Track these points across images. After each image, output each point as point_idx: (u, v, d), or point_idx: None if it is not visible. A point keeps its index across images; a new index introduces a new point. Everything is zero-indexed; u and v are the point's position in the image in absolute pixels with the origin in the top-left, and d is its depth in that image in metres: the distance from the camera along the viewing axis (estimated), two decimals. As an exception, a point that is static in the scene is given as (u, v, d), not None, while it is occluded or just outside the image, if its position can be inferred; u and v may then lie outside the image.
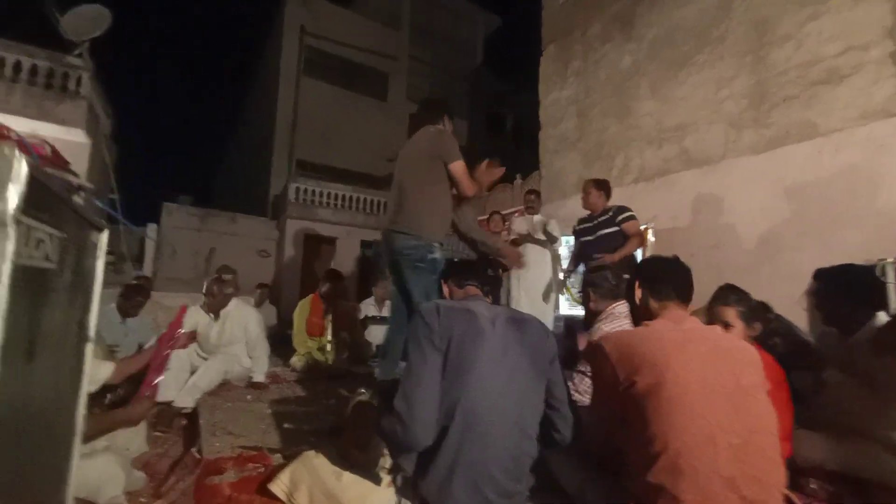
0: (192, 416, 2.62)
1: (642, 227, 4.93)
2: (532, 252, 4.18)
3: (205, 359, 3.00)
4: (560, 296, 4.98)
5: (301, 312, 4.00)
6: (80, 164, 5.87)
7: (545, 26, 6.93)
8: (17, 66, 5.57)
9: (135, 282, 4.22)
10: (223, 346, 3.08)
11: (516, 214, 6.00)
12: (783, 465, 1.12)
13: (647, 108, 5.22)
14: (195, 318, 3.04)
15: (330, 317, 4.03)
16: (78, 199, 0.77)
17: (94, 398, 2.04)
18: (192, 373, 2.81)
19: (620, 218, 3.31)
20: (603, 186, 3.52)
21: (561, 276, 4.32)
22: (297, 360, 3.82)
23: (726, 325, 1.76)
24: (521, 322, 1.40)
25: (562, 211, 5.71)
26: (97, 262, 0.96)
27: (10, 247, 0.50)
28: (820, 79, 3.75)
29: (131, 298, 3.48)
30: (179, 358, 2.69)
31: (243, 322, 3.18)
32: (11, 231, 0.50)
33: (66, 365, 0.79)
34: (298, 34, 12.17)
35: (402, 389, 1.26)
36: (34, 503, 0.77)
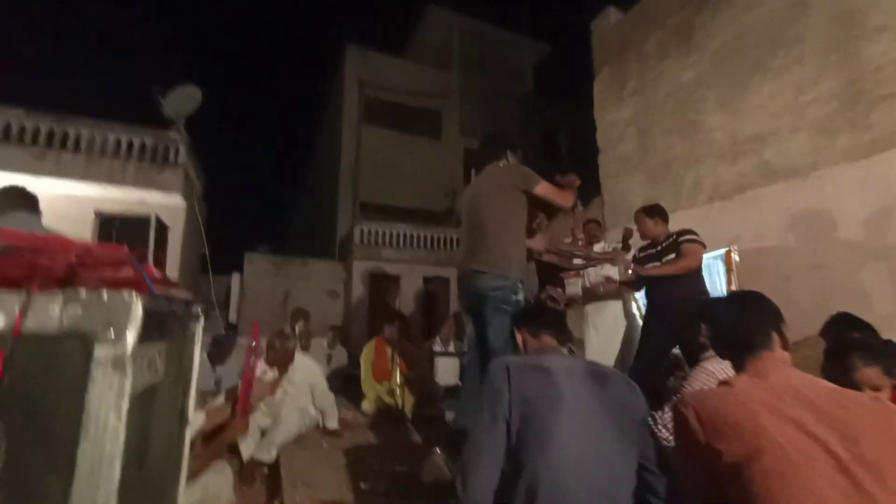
0: (274, 464, 2.71)
1: (724, 250, 4.55)
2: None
3: (264, 422, 2.94)
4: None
5: (367, 356, 4.08)
6: (177, 224, 6.65)
7: (596, 49, 6.86)
8: (130, 145, 6.54)
9: (221, 332, 4.58)
10: (289, 402, 3.03)
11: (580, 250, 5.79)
12: None
13: (716, 121, 4.89)
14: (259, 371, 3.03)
15: (396, 359, 4.06)
16: (179, 295, 0.84)
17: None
18: (261, 430, 2.83)
19: (682, 240, 2.97)
20: (656, 212, 3.19)
21: (634, 308, 4.03)
22: (367, 405, 3.86)
23: (875, 388, 1.46)
24: (604, 378, 1.29)
25: (630, 236, 5.42)
26: (195, 348, 1.05)
27: (128, 384, 0.57)
28: (927, 70, 3.29)
29: (220, 347, 3.77)
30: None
31: (309, 380, 3.15)
32: (129, 370, 0.57)
33: (170, 452, 0.85)
34: (357, 87, 13.14)
35: (462, 460, 1.20)
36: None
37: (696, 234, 2.96)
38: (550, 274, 3.61)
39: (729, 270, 4.41)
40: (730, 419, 1.00)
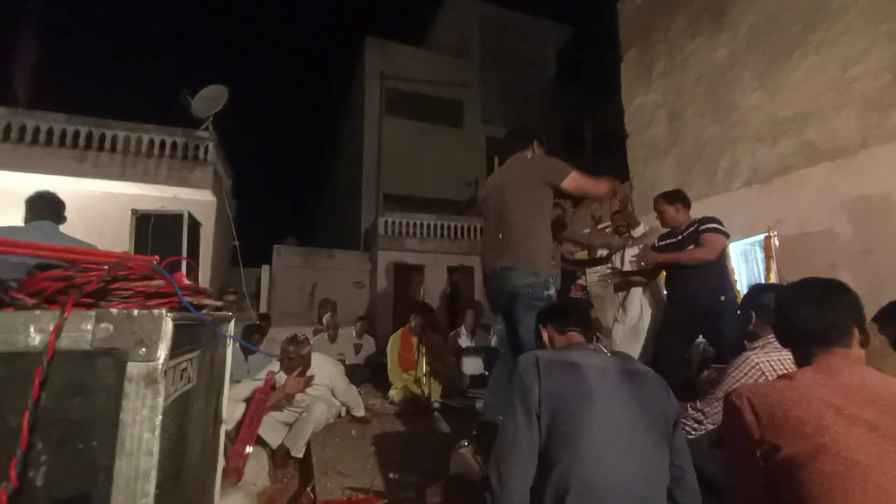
0: (305, 451, 2.80)
1: (763, 236, 4.34)
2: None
3: (288, 418, 2.98)
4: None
5: (393, 347, 4.14)
6: (208, 219, 6.87)
7: (623, 30, 6.59)
8: (163, 145, 6.77)
9: (253, 322, 4.72)
10: (309, 397, 3.04)
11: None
12: None
13: (752, 101, 4.63)
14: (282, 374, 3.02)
15: (422, 350, 4.10)
16: (209, 302, 0.86)
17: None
18: (287, 424, 2.88)
19: (702, 229, 2.76)
20: (677, 198, 2.97)
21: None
22: (394, 394, 3.93)
23: None
24: (637, 376, 1.24)
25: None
26: (227, 350, 1.07)
27: (161, 400, 0.59)
28: None
29: (249, 337, 3.90)
30: (270, 420, 2.75)
31: (327, 381, 3.15)
32: (161, 387, 0.59)
33: (205, 451, 0.88)
34: (379, 78, 13.14)
35: (494, 457, 1.18)
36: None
37: (718, 222, 2.75)
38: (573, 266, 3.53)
39: (768, 257, 4.21)
40: (790, 415, 0.95)
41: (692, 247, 2.73)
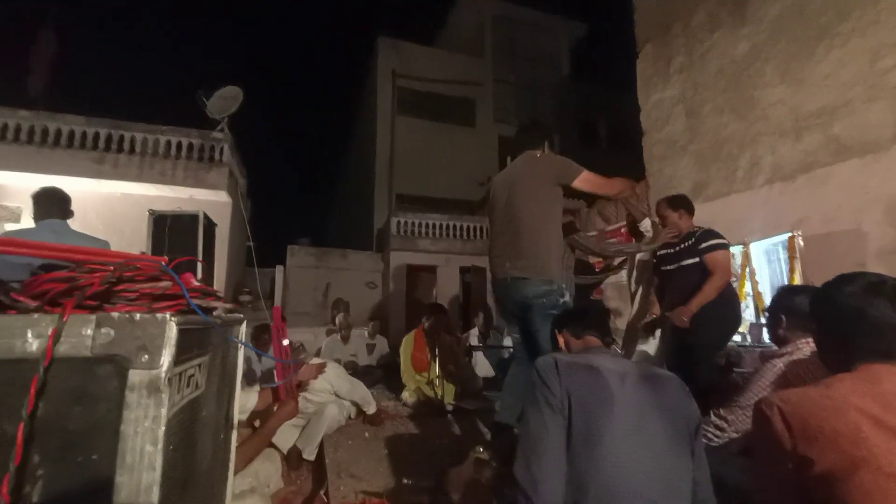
0: (318, 454, 2.78)
1: (787, 235, 4.20)
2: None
3: (298, 421, 2.90)
4: None
5: (406, 348, 4.10)
6: (223, 220, 6.95)
7: (639, 25, 6.46)
8: (179, 146, 6.87)
9: (266, 322, 4.74)
10: (313, 404, 3.00)
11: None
12: None
13: (776, 95, 4.48)
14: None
15: (436, 351, 4.06)
16: (219, 304, 0.84)
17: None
18: (297, 427, 2.83)
19: (704, 246, 2.55)
20: (681, 204, 2.80)
21: None
22: (407, 395, 3.90)
23: None
24: (657, 380, 1.19)
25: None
26: (238, 353, 1.05)
27: (164, 410, 0.55)
28: None
29: (259, 337, 3.91)
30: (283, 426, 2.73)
31: (328, 386, 3.08)
32: (164, 396, 0.55)
33: (216, 457, 0.86)
34: (391, 78, 13.15)
35: (522, 458, 1.12)
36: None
37: (718, 235, 2.59)
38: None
39: (792, 258, 4.07)
40: (826, 426, 0.88)
41: (694, 261, 2.59)
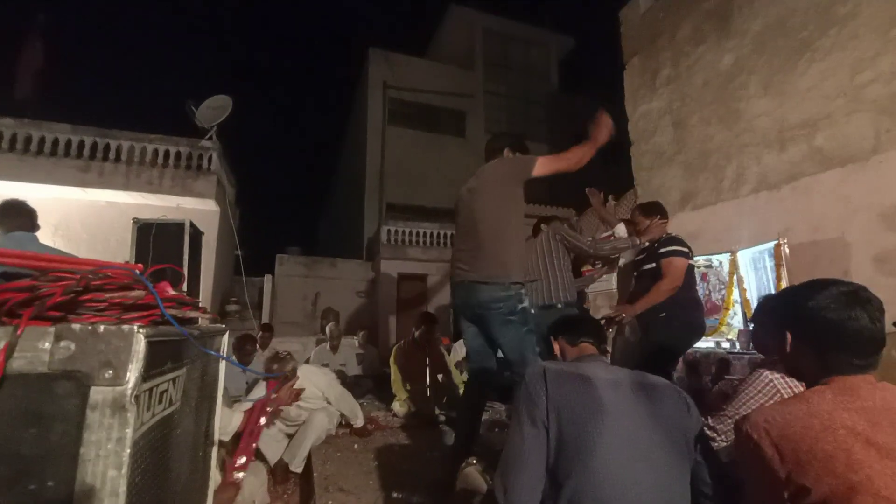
0: (306, 467, 2.71)
1: (772, 243, 4.26)
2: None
3: (293, 426, 2.88)
4: None
5: (396, 358, 4.04)
6: (211, 228, 6.85)
7: (626, 38, 6.59)
8: (167, 154, 6.77)
9: (248, 332, 4.65)
10: (305, 411, 2.94)
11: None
12: None
13: (760, 107, 4.58)
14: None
15: (426, 361, 4.01)
16: (197, 315, 0.80)
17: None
18: (288, 436, 2.78)
19: (662, 251, 2.56)
20: (654, 211, 2.80)
21: None
22: (397, 406, 3.84)
23: None
24: (652, 389, 1.16)
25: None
26: (219, 366, 1.00)
27: (130, 431, 0.50)
28: None
29: (242, 349, 3.80)
30: (271, 430, 2.66)
31: (317, 388, 3.02)
32: (130, 416, 0.50)
33: (195, 476, 0.81)
34: (382, 88, 13.21)
35: (502, 466, 1.11)
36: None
37: (679, 242, 2.59)
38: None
39: (778, 265, 4.12)
40: (816, 449, 0.84)
41: (652, 266, 2.60)
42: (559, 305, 2.61)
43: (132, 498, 0.52)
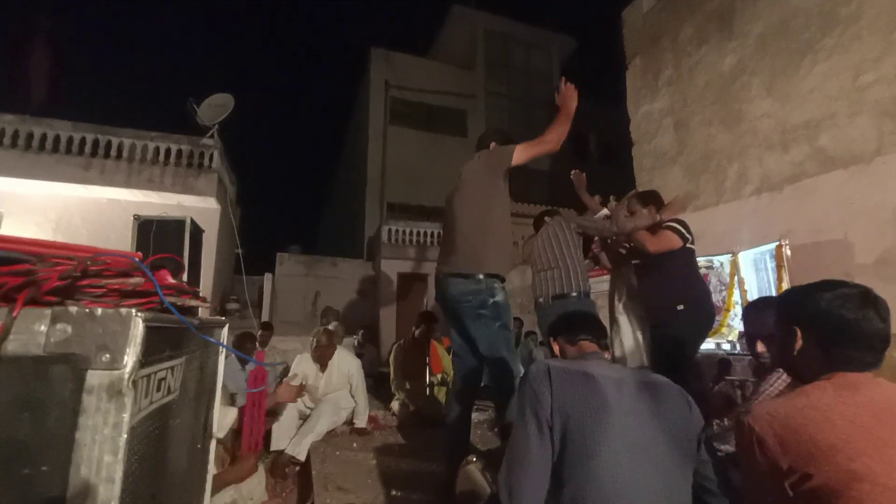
0: (305, 463, 2.71)
1: (774, 244, 4.24)
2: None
3: (311, 408, 3.08)
4: None
5: (396, 357, 4.04)
6: (212, 226, 6.84)
7: (628, 39, 6.58)
8: (168, 152, 6.77)
9: (248, 330, 4.64)
10: (329, 394, 3.18)
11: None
12: None
13: (762, 108, 4.57)
14: (303, 367, 3.19)
15: (426, 360, 4.01)
16: (198, 303, 0.79)
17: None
18: (302, 419, 2.91)
19: (664, 225, 2.62)
20: (651, 199, 2.82)
21: None
22: (397, 406, 3.83)
23: None
24: (656, 388, 1.16)
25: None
26: (219, 358, 0.99)
27: (127, 416, 0.49)
28: None
29: (242, 347, 3.82)
30: (288, 409, 2.80)
31: (347, 371, 3.28)
32: (127, 401, 0.49)
33: (192, 470, 0.80)
34: (383, 88, 13.22)
35: (506, 465, 1.10)
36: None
37: (677, 223, 2.60)
38: None
39: (780, 267, 4.11)
40: (819, 439, 0.85)
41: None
42: (573, 294, 2.49)
43: (128, 485, 0.51)
